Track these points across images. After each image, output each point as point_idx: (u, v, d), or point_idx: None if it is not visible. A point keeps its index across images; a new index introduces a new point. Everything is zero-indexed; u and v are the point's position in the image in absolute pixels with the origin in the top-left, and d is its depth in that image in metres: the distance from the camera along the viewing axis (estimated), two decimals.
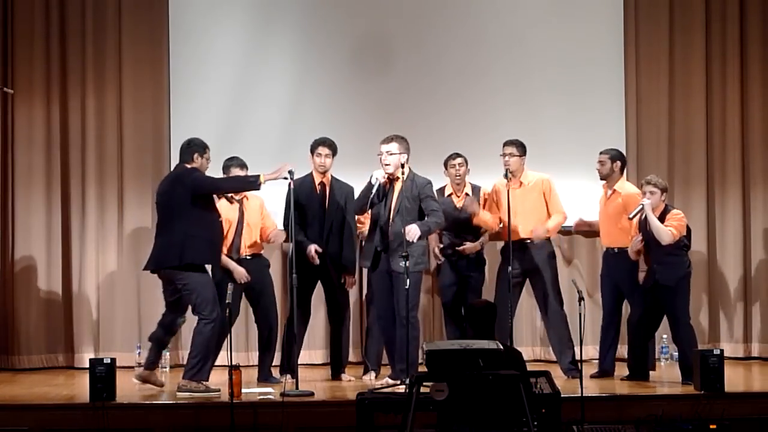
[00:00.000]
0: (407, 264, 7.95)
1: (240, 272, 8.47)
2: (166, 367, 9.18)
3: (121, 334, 9.68)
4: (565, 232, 9.45)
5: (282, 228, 8.67)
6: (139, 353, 9.50)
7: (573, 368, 8.50)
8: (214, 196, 8.07)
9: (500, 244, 9.01)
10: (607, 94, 9.94)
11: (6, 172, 9.70)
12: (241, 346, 9.53)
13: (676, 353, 8.56)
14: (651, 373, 8.57)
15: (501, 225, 8.81)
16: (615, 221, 8.65)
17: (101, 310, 9.72)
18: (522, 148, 8.80)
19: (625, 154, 9.08)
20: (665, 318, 8.38)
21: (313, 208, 8.62)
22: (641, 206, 8.23)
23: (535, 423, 6.06)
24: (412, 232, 8.02)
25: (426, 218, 8.21)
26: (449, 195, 9.04)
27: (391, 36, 9.91)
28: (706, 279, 9.95)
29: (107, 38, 9.76)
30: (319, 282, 8.71)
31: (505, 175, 8.65)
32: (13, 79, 9.67)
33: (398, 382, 7.91)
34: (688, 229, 8.44)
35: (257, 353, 8.85)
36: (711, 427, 7.08)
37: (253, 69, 9.84)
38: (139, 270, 9.56)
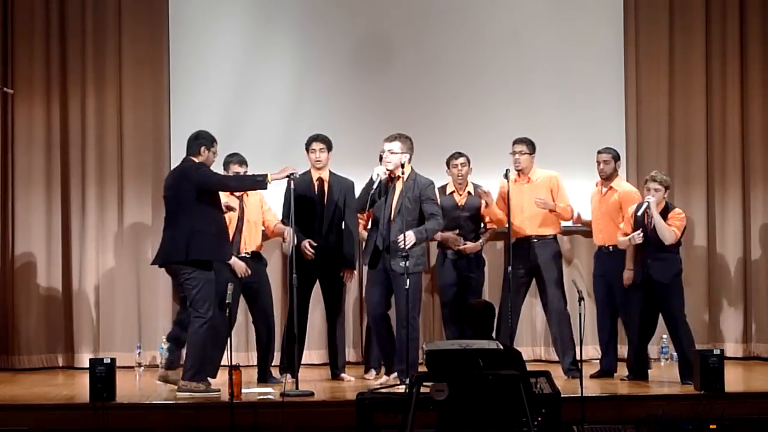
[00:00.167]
0: (407, 264, 7.95)
1: (240, 266, 8.46)
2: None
3: (120, 333, 9.68)
4: (565, 232, 9.44)
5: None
6: (139, 353, 9.51)
7: (573, 368, 8.50)
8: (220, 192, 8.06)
9: (501, 243, 8.99)
10: (606, 93, 9.93)
11: (6, 172, 9.70)
12: (241, 346, 9.51)
13: (676, 353, 8.56)
14: (651, 372, 8.57)
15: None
16: (610, 219, 8.65)
17: (101, 310, 9.71)
18: (532, 146, 8.82)
19: (625, 153, 9.07)
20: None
21: (312, 205, 8.61)
22: (647, 203, 8.22)
23: (535, 423, 6.06)
24: (408, 239, 8.02)
25: (425, 222, 8.21)
26: (451, 193, 9.04)
27: (391, 35, 9.90)
28: (706, 279, 9.94)
29: (107, 38, 9.75)
30: (318, 282, 8.71)
31: (505, 175, 8.65)
32: (13, 79, 9.66)
33: (398, 382, 7.91)
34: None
35: (257, 353, 8.85)
36: (711, 427, 7.08)
37: (253, 68, 9.84)
38: (139, 269, 9.62)
